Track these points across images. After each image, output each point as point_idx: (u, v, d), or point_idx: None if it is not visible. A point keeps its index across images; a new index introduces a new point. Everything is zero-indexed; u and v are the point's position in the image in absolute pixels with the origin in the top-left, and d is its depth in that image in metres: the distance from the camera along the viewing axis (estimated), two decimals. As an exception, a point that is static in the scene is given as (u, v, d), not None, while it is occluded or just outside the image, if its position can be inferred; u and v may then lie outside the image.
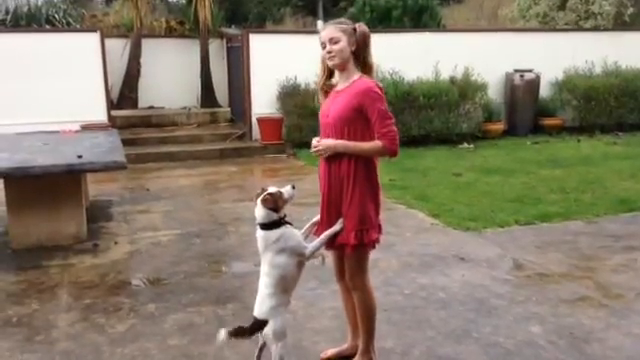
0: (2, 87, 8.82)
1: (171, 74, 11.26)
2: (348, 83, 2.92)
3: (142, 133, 9.94)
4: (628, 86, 10.63)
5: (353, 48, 2.89)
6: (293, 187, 2.94)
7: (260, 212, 2.88)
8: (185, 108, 11.19)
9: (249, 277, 4.43)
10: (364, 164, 2.91)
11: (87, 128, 8.21)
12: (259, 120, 9.57)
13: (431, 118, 9.64)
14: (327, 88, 3.04)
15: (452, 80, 9.93)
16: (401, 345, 3.41)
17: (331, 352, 3.29)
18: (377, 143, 2.86)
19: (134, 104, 11.15)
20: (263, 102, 9.62)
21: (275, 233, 2.87)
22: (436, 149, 9.44)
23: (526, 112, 10.59)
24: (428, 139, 9.70)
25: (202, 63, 11.28)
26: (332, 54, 2.89)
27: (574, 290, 4.15)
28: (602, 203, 6.25)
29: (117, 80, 10.83)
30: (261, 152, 9.46)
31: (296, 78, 9.53)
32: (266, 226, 2.88)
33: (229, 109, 11.32)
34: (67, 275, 4.57)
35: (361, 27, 2.92)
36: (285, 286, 2.90)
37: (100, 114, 9.30)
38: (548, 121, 10.68)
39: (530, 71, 10.51)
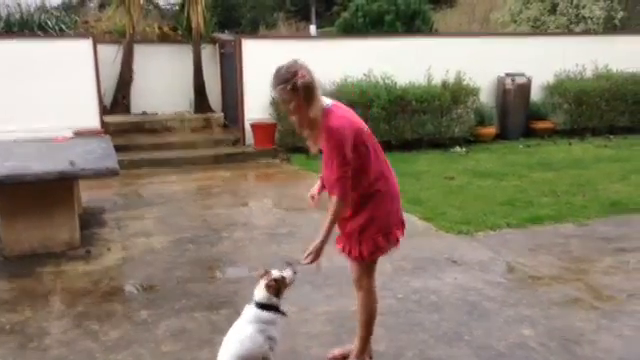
0: (-6, 94, 8.80)
1: (164, 80, 11.24)
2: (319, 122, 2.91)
3: (135, 139, 9.92)
4: (619, 89, 10.70)
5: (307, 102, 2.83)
6: (295, 272, 2.98)
7: (262, 294, 2.92)
8: (178, 114, 11.18)
9: (243, 283, 4.45)
10: (369, 199, 2.95)
11: (80, 134, 8.19)
12: (252, 125, 9.59)
13: (424, 122, 9.68)
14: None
15: (444, 84, 9.98)
16: (394, 348, 3.43)
17: (337, 352, 3.32)
18: (334, 203, 2.89)
19: (127, 110, 11.14)
20: (256, 107, 9.63)
21: (269, 315, 2.90)
22: (429, 153, 9.48)
23: (518, 116, 10.65)
24: (421, 143, 9.74)
25: (195, 69, 11.28)
26: (295, 116, 2.89)
27: (565, 292, 4.18)
28: (593, 206, 6.30)
29: (110, 86, 10.82)
30: (255, 157, 9.47)
31: (289, 83, 9.54)
32: (263, 306, 2.91)
33: (222, 114, 11.32)
34: (60, 282, 4.56)
35: (302, 80, 2.79)
36: None
37: (93, 120, 9.28)
38: (540, 124, 10.74)
39: (522, 75, 10.58)
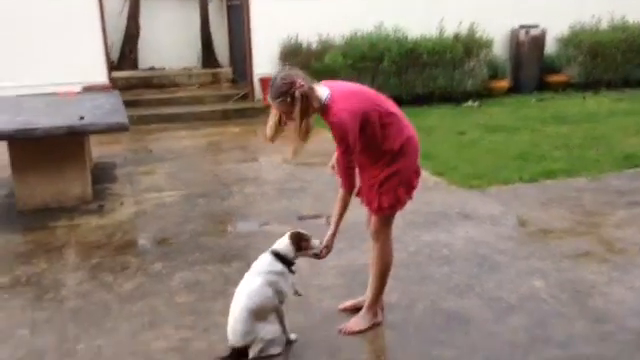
0: (1, 49, 8.72)
1: (171, 34, 11.11)
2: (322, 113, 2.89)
3: (143, 94, 9.88)
4: (635, 41, 10.44)
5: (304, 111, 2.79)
6: (320, 243, 3.01)
7: (283, 242, 2.94)
8: (186, 69, 11.09)
9: (254, 236, 4.49)
10: (394, 158, 2.95)
11: (88, 89, 8.16)
12: (261, 80, 9.47)
13: (435, 76, 9.53)
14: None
15: (457, 37, 9.78)
16: (405, 299, 3.46)
17: (349, 304, 3.36)
18: (341, 195, 2.94)
19: (134, 65, 11.05)
20: (265, 62, 9.49)
21: (280, 266, 2.91)
22: (440, 107, 9.37)
23: (531, 69, 10.46)
24: (432, 97, 9.62)
25: (202, 22, 11.13)
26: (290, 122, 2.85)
27: (577, 245, 4.18)
28: (606, 159, 6.23)
29: (116, 40, 10.70)
30: (264, 112, 9.35)
31: (297, 37, 9.41)
32: (277, 255, 2.92)
33: (231, 69, 11.21)
34: (74, 235, 4.61)
35: (301, 90, 2.76)
36: (260, 315, 2.89)
37: (101, 75, 9.21)
38: (553, 78, 10.54)
39: (536, 27, 10.33)
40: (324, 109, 2.84)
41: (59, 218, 4.96)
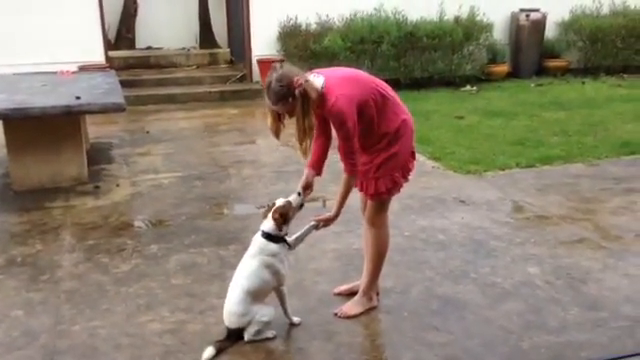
0: (-2, 27, 8.63)
1: (169, 13, 10.98)
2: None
3: (141, 74, 9.79)
4: (635, 27, 10.35)
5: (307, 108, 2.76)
6: (299, 194, 2.97)
7: (269, 224, 2.91)
8: (184, 49, 10.98)
9: (250, 219, 4.47)
10: (388, 142, 2.94)
11: (85, 69, 8.09)
12: (259, 62, 9.40)
13: (434, 60, 9.46)
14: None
15: (457, 20, 9.70)
16: (401, 285, 3.47)
17: (344, 288, 3.37)
18: (345, 179, 2.92)
19: (132, 44, 10.94)
20: (263, 43, 9.41)
21: (275, 247, 2.91)
22: (438, 92, 9.32)
23: (531, 53, 10.39)
24: (431, 81, 9.56)
25: (200, 2, 11.00)
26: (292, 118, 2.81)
27: (573, 232, 4.19)
28: (604, 146, 6.22)
29: (113, 19, 10.58)
30: (262, 94, 9.28)
31: (297, 18, 9.32)
32: (269, 237, 2.90)
33: (229, 50, 11.11)
34: (70, 216, 4.60)
35: (300, 88, 2.70)
36: (257, 297, 2.90)
37: (98, 55, 9.11)
38: (553, 63, 10.48)
39: (536, 11, 10.25)
40: (320, 98, 2.80)
41: (55, 199, 4.94)
